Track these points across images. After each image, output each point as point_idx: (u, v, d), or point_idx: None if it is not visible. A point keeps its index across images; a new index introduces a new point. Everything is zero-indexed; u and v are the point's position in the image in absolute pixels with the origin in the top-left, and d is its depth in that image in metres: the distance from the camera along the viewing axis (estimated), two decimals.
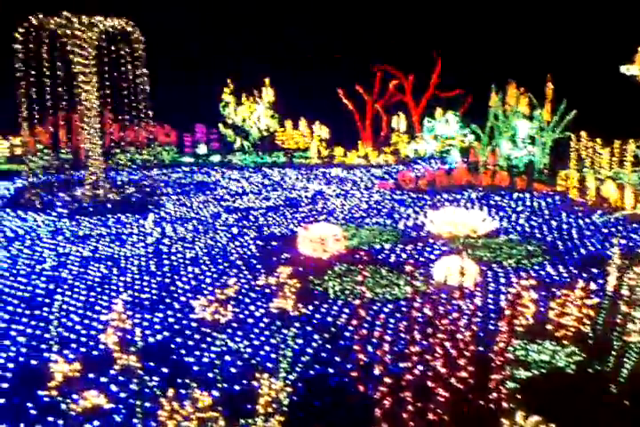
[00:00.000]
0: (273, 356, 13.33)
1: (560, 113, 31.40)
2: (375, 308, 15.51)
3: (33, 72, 27.68)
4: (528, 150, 32.11)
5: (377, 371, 11.27)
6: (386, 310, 15.55)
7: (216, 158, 38.89)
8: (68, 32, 27.32)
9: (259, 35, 48.13)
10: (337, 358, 13.19)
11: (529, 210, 25.69)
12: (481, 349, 11.42)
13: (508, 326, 10.93)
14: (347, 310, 15.68)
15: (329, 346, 13.75)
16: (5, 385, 12.55)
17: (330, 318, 15.27)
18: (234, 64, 44.45)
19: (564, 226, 23.36)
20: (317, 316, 15.43)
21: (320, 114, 40.68)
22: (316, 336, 14.22)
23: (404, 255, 20.10)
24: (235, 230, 23.68)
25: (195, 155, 39.25)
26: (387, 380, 10.73)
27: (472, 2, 46.39)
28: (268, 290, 17.13)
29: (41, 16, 27.32)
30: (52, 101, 29.07)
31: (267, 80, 39.71)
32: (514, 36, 43.43)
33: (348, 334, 14.23)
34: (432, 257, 19.50)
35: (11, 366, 13.31)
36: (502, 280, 17.68)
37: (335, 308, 15.94)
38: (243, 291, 16.93)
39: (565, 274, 18.17)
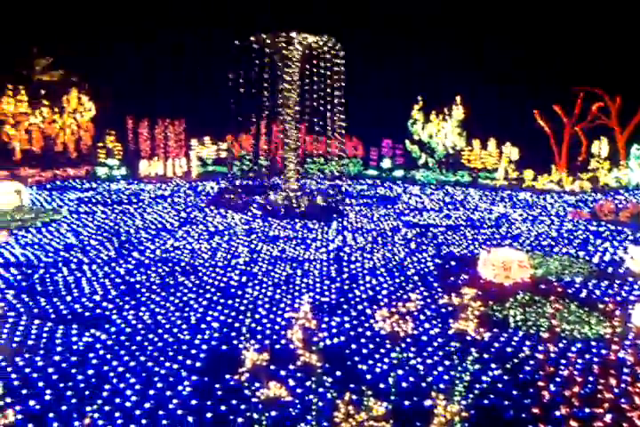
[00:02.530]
0: (446, 377, 13.07)
1: None
2: (561, 345, 14.43)
3: (242, 87, 30.39)
4: None
5: (561, 412, 10.50)
6: (573, 348, 14.39)
7: (399, 173, 39.34)
8: (276, 48, 29.65)
9: (453, 53, 47.80)
10: (514, 392, 12.50)
11: None
12: None
13: None
14: (528, 343, 14.81)
15: (507, 377, 13.08)
16: (198, 364, 13.88)
17: (509, 349, 14.53)
18: (426, 81, 44.68)
19: None
20: (496, 344, 14.78)
21: (511, 134, 39.12)
22: (493, 365, 13.64)
23: (597, 292, 18.44)
24: (413, 246, 23.70)
25: (379, 168, 40.11)
26: (572, 423, 9.96)
27: None
28: (443, 309, 16.96)
29: (251, 34, 30.01)
30: (256, 112, 31.73)
31: (458, 98, 39.26)
32: None
33: (528, 368, 13.42)
34: (631, 297, 17.63)
35: (204, 347, 14.69)
36: None
37: (515, 338, 15.13)
38: (418, 307, 16.83)
39: None
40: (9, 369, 13.14)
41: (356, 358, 14.22)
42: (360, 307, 17.37)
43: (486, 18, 48.12)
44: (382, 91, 46.51)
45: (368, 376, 13.35)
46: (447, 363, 13.64)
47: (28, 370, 13.17)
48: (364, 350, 14.61)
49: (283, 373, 13.16)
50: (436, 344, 14.86)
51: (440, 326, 15.86)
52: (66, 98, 37.21)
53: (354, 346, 14.84)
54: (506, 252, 19.41)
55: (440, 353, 14.29)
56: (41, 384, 12.62)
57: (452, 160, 39.48)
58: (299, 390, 12.47)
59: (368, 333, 15.58)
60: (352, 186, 35.81)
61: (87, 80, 39.89)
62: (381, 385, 12.75)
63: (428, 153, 39.61)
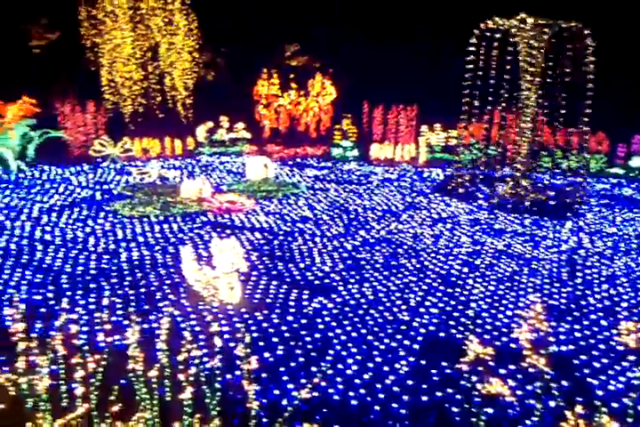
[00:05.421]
0: None
1: None
2: None
3: (478, 74, 29.29)
4: None
5: None
6: None
7: None
8: (521, 33, 27.96)
9: None
10: None
11: None
12: None
13: None
14: None
15: None
16: (416, 346, 14.05)
17: None
18: None
19: None
20: None
21: None
22: None
23: None
24: None
25: (626, 167, 35.86)
26: None
27: None
28: None
29: (497, 18, 28.61)
30: (492, 99, 30.40)
31: None
32: None
33: None
34: None
35: (422, 331, 14.81)
36: None
37: None
38: None
39: None
40: (250, 322, 14.79)
41: (586, 371, 13.09)
42: (594, 316, 15.90)
43: None
44: (637, 82, 41.18)
45: (599, 392, 12.21)
46: None
47: (265, 325, 14.68)
48: (596, 364, 13.38)
49: (502, 371, 12.68)
50: None
51: None
52: (311, 82, 39.96)
53: (584, 357, 13.68)
54: None
55: None
56: (275, 340, 13.98)
57: None
58: (519, 392, 11.92)
59: (602, 345, 14.23)
60: (592, 184, 32.67)
61: (330, 66, 42.29)
62: (615, 404, 11.57)
63: None
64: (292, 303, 15.97)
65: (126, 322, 13.82)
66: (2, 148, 30.59)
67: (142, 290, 16.43)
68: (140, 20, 37.29)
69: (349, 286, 17.33)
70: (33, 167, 31.06)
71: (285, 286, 17.06)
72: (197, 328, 14.09)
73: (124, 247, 19.80)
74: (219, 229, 21.85)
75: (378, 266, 19.11)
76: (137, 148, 34.39)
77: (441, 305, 16.31)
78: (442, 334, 14.65)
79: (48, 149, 31.99)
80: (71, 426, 10.14)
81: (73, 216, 23.11)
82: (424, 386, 12.30)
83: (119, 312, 14.86)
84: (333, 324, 14.93)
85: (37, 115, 31.85)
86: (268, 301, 16.10)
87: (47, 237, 20.60)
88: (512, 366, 12.70)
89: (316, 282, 17.59)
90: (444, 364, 13.04)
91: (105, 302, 14.87)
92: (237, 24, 42.06)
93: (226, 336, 13.61)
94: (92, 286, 16.59)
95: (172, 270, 17.77)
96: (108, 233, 21.26)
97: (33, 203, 24.69)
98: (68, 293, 16.01)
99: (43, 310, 14.87)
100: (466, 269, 19.03)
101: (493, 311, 15.95)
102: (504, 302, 16.64)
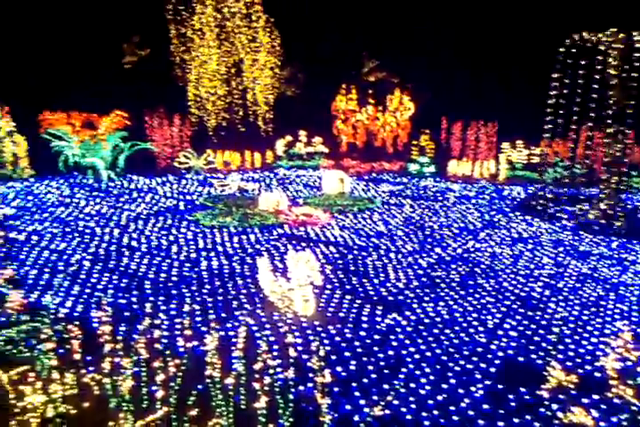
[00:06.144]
0: None
1: None
2: None
3: (564, 90, 28.29)
4: None
5: None
6: None
7: None
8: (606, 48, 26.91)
9: None
10: None
11: None
12: None
13: None
14: None
15: None
16: (493, 370, 13.61)
17: None
18: None
19: None
20: None
21: None
22: None
23: None
24: None
25: None
26: None
27: None
28: None
29: (585, 33, 27.67)
30: (578, 116, 29.27)
31: None
32: None
33: None
34: None
35: (500, 354, 14.33)
36: None
37: None
38: None
39: None
40: (323, 335, 14.84)
41: None
42: None
43: None
44: None
45: None
46: None
47: (338, 339, 14.69)
48: None
49: (585, 400, 12.06)
50: None
51: None
52: (389, 97, 40.01)
53: None
54: None
55: None
56: (347, 354, 13.95)
57: None
58: (602, 424, 11.29)
59: None
60: None
61: (407, 81, 42.20)
62: None
63: None
64: (364, 319, 15.92)
65: (205, 329, 14.24)
66: (95, 158, 32.50)
67: (220, 298, 16.89)
68: (225, 38, 38.80)
69: (424, 304, 17.07)
70: (122, 177, 32.76)
71: (359, 301, 17.03)
72: (272, 338, 14.30)
73: (205, 256, 20.46)
74: (294, 242, 22.15)
75: (454, 285, 18.72)
76: (219, 160, 35.58)
77: (520, 328, 15.75)
78: (521, 359, 14.12)
79: (137, 161, 33.68)
80: None
81: (158, 225, 24.16)
82: (500, 411, 11.88)
83: (198, 319, 15.33)
84: (407, 341, 14.74)
85: (128, 127, 33.67)
86: (342, 315, 16.12)
87: (133, 243, 21.62)
88: (596, 396, 12.09)
89: (390, 298, 17.45)
90: (522, 389, 12.56)
91: (185, 308, 15.44)
92: (318, 41, 42.89)
93: (299, 348, 13.73)
94: (173, 292, 17.24)
95: (248, 280, 18.16)
96: (189, 242, 22.04)
97: (121, 211, 26.03)
98: (151, 298, 16.70)
99: (127, 313, 15.58)
100: (547, 292, 18.30)
101: (577, 337, 15.23)
102: (589, 328, 15.86)
